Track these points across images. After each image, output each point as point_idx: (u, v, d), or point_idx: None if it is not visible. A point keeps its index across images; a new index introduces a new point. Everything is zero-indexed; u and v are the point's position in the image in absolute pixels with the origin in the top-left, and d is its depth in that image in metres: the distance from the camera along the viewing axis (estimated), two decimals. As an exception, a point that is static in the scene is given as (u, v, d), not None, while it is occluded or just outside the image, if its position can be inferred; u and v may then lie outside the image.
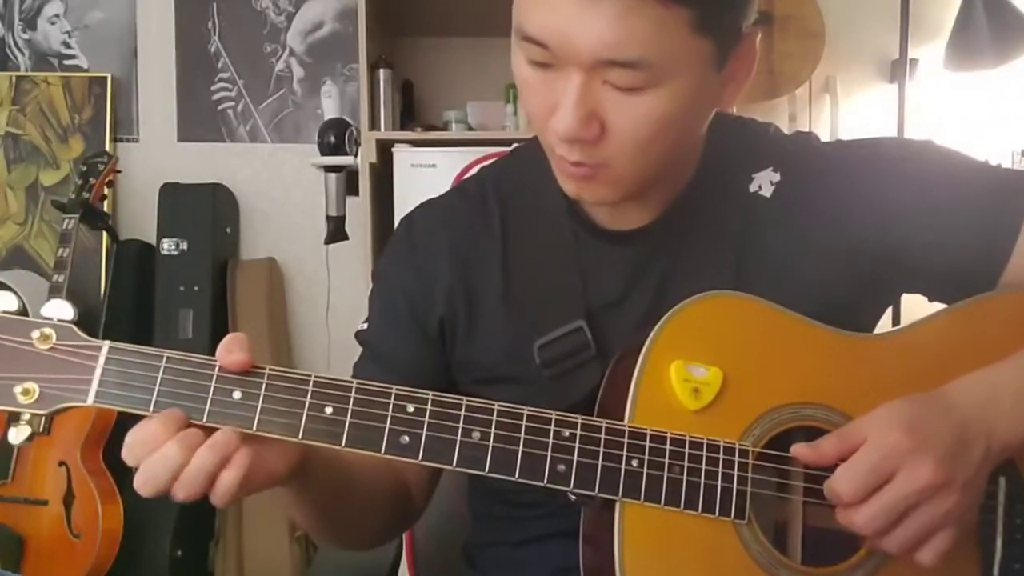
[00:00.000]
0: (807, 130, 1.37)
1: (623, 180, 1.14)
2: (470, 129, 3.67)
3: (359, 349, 1.38)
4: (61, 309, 1.02)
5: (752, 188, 1.28)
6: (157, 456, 0.97)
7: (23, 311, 1.01)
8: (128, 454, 0.98)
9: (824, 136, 1.35)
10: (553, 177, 1.21)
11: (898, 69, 3.56)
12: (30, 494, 3.15)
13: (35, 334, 1.00)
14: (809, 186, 1.26)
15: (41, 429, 3.14)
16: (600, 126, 1.07)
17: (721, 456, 1.07)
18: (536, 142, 1.29)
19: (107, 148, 3.95)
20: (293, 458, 1.04)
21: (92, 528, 3.13)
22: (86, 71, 4.05)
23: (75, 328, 1.01)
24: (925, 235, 1.21)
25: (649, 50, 1.01)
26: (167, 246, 3.80)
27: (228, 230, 3.98)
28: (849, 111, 3.90)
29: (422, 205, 1.41)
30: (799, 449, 1.07)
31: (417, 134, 3.56)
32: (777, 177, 1.28)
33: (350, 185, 3.60)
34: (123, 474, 3.27)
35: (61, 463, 3.16)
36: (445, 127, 3.73)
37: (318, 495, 1.16)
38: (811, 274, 1.23)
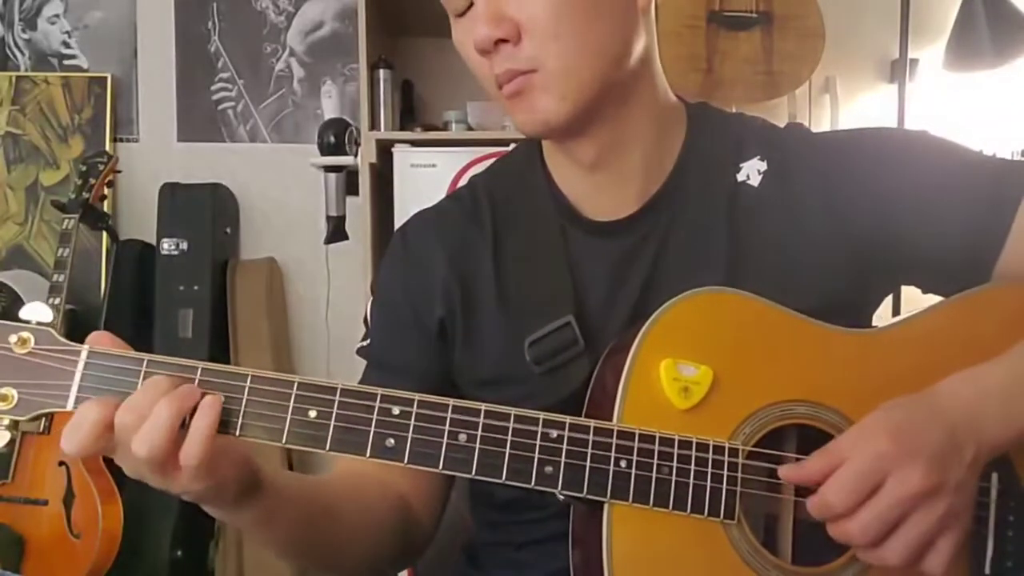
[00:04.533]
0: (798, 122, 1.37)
1: (557, 82, 1.17)
2: (470, 129, 3.66)
3: (359, 347, 1.38)
4: (39, 312, 1.01)
5: (740, 177, 1.28)
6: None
7: (5, 313, 1.00)
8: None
9: (824, 136, 1.35)
10: (539, 175, 1.22)
11: (898, 69, 3.55)
12: (30, 494, 3.15)
13: (12, 338, 0.99)
14: (799, 175, 1.26)
15: (41, 430, 3.14)
16: (514, 27, 1.14)
17: (710, 456, 1.07)
18: (523, 146, 1.30)
19: (107, 148, 3.96)
20: (243, 468, 1.04)
21: (92, 528, 3.12)
22: (86, 71, 4.05)
23: (54, 332, 1.01)
24: (918, 224, 1.21)
25: None
26: (167, 246, 3.80)
27: (228, 230, 3.98)
28: (849, 111, 3.90)
29: (415, 215, 1.42)
30: (785, 471, 1.07)
31: (417, 134, 3.55)
32: (764, 166, 1.28)
33: (350, 185, 3.60)
34: (123, 474, 3.26)
35: (61, 463, 3.15)
36: (445, 127, 3.71)
37: (282, 531, 1.15)
38: (803, 264, 1.23)
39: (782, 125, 1.36)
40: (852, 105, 3.92)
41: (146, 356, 1.00)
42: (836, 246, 1.23)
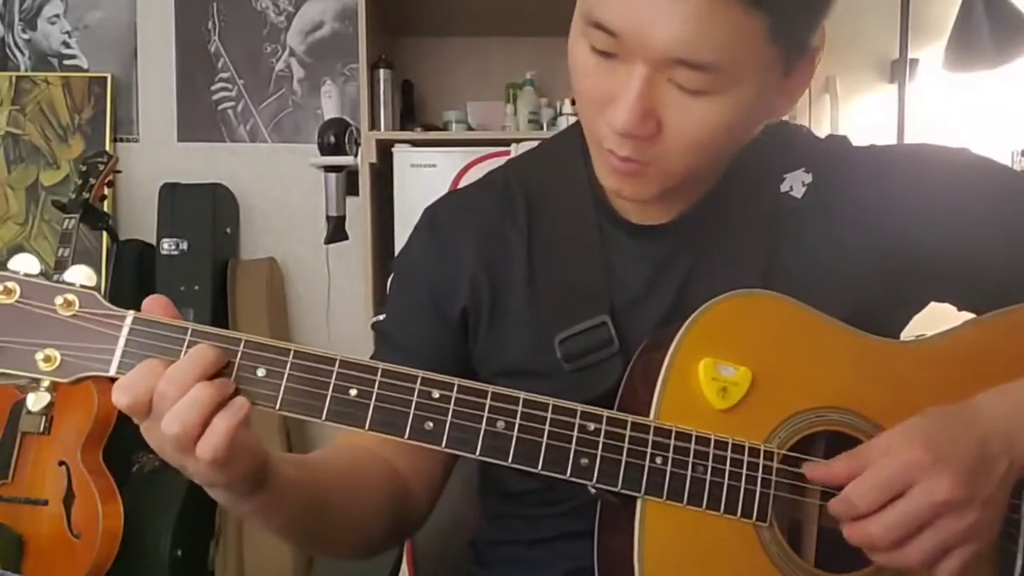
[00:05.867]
0: (841, 134, 1.36)
1: (666, 179, 1.13)
2: (470, 129, 3.68)
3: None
4: (84, 275, 1.00)
5: (783, 188, 1.27)
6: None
7: (45, 275, 0.99)
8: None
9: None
10: (579, 170, 1.20)
11: (898, 69, 3.56)
12: (30, 494, 3.14)
13: (58, 300, 0.98)
14: (841, 189, 1.25)
15: (41, 429, 3.14)
16: (656, 124, 1.06)
17: (746, 458, 1.07)
18: (562, 136, 1.28)
19: (107, 148, 3.95)
20: (257, 460, 1.03)
21: (92, 528, 3.12)
22: (86, 71, 4.05)
23: (98, 295, 0.99)
24: (956, 243, 1.20)
25: (723, 54, 1.00)
26: (167, 246, 3.80)
27: (228, 230, 3.98)
28: (849, 111, 3.91)
29: (447, 195, 1.41)
30: (813, 471, 1.07)
31: (417, 134, 3.57)
32: (809, 178, 1.27)
33: (350, 185, 3.60)
34: (123, 474, 3.27)
35: (61, 463, 3.15)
36: (445, 127, 3.73)
37: (281, 520, 1.14)
38: (841, 277, 1.22)
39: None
40: (852, 105, 3.94)
41: (191, 325, 0.99)
42: (873, 260, 1.22)
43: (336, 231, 3.71)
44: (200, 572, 3.62)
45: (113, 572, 3.18)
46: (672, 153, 1.08)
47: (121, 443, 3.28)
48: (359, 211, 3.48)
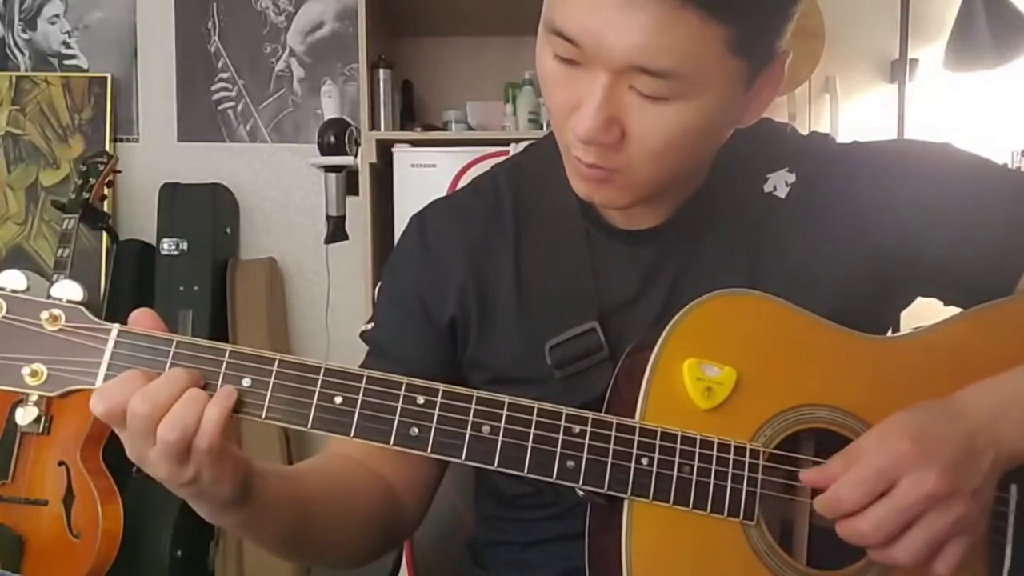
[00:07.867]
0: (824, 132, 1.36)
1: (636, 186, 1.13)
2: (470, 129, 3.67)
3: (359, 349, 1.37)
4: (71, 290, 1.01)
5: (767, 188, 1.27)
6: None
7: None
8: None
9: (825, 137, 1.34)
10: (564, 175, 1.20)
11: (898, 69, 3.56)
12: (30, 494, 3.14)
13: (44, 315, 1.00)
14: (825, 187, 1.25)
15: (41, 429, 3.14)
16: (620, 131, 1.06)
17: (732, 457, 1.07)
18: (550, 140, 1.28)
19: (107, 148, 3.96)
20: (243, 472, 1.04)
21: (92, 528, 3.12)
22: (86, 71, 4.06)
23: (84, 310, 1.01)
24: (943, 238, 1.20)
25: (682, 62, 1.00)
26: (167, 246, 3.81)
27: (228, 230, 3.99)
28: (849, 111, 3.90)
29: (435, 202, 1.40)
30: (807, 475, 1.07)
31: (417, 134, 3.57)
32: (792, 178, 1.27)
33: (350, 185, 3.61)
34: (123, 474, 3.27)
35: (61, 463, 3.15)
36: (445, 127, 3.73)
37: (268, 534, 1.15)
38: (827, 275, 1.22)
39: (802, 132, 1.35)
40: (852, 105, 3.93)
41: (176, 337, 1.01)
42: (859, 257, 1.22)
43: (336, 231, 3.71)
44: (200, 572, 3.63)
45: (113, 572, 3.18)
46: (637, 160, 1.08)
47: (121, 443, 3.28)
48: (359, 211, 3.48)
